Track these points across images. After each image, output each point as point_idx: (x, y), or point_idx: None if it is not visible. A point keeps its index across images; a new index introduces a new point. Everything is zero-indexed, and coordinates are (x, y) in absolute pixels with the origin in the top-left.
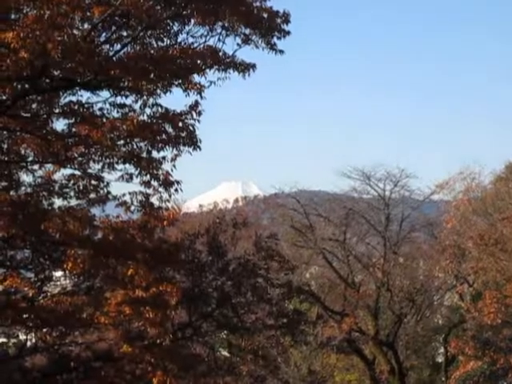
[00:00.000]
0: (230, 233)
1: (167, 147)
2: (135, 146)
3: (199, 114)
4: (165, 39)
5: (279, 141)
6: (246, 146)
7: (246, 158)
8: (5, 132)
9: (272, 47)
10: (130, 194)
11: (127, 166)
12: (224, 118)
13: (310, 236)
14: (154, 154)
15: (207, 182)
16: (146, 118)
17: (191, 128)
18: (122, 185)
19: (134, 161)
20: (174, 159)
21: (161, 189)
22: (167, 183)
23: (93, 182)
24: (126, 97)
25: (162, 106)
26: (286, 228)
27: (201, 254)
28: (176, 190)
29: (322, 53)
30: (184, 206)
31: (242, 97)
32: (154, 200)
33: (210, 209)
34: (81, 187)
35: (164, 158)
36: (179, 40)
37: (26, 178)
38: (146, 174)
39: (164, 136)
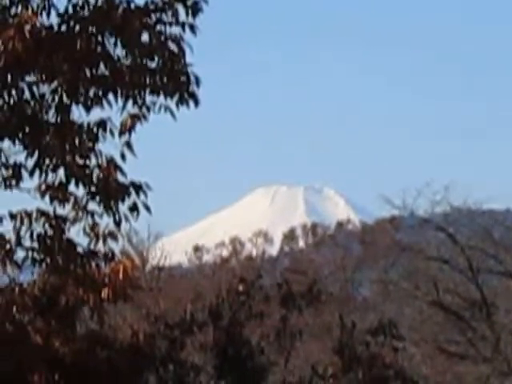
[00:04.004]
0: (273, 319)
1: (102, 94)
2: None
3: (195, 10)
4: None
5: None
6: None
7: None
8: None
9: None
10: (12, 217)
11: None
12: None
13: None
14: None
15: (224, 190)
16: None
17: (176, 47)
18: None
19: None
20: (128, 128)
21: (93, 204)
22: (109, 190)
23: None
24: None
25: None
26: (423, 309)
27: (197, 374)
28: (133, 208)
29: None
30: (156, 251)
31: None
32: (74, 234)
33: (222, 256)
34: None
35: (102, 124)
36: None
37: None
38: (46, 165)
39: (100, 63)
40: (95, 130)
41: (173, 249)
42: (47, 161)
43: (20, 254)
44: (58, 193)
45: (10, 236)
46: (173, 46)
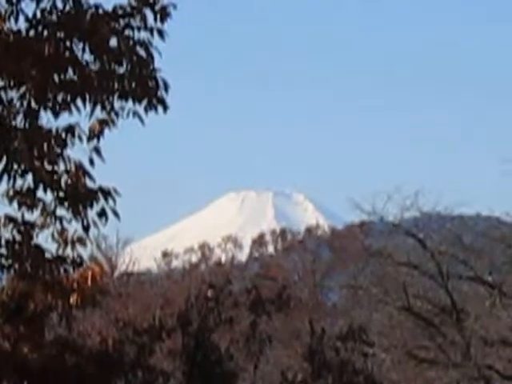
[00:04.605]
0: (242, 324)
1: (70, 99)
2: None
3: (163, 15)
4: None
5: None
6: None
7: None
8: None
9: None
10: None
11: None
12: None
13: (453, 333)
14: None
15: (193, 195)
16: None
17: (144, 52)
18: None
19: None
20: (96, 134)
21: (61, 209)
22: (77, 196)
23: None
24: None
25: None
26: (390, 312)
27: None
28: (102, 213)
29: None
30: (124, 256)
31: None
32: (43, 240)
33: (191, 262)
34: None
35: (70, 129)
36: None
37: None
38: (14, 171)
39: (68, 68)
40: (63, 135)
41: (142, 254)
42: (15, 166)
43: None
44: (26, 198)
45: None
46: (141, 51)
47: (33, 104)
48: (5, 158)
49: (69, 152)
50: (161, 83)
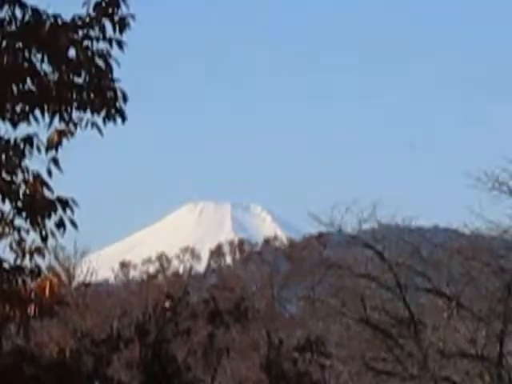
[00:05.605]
0: (200, 335)
1: (29, 109)
2: None
3: (122, 26)
4: None
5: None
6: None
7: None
8: None
9: None
10: None
11: None
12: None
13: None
14: (1, 128)
15: (151, 206)
16: None
17: (103, 62)
18: None
19: None
20: (54, 144)
21: (19, 219)
22: (35, 206)
23: None
24: None
25: None
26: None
27: None
28: (60, 224)
29: None
30: (82, 267)
31: None
32: (0, 250)
33: (148, 273)
34: None
35: (28, 140)
36: None
37: None
38: None
39: (26, 79)
40: (22, 145)
41: (99, 264)
42: None
43: None
44: None
45: None
46: (100, 62)
47: None
48: None
49: (27, 162)
50: (119, 94)
